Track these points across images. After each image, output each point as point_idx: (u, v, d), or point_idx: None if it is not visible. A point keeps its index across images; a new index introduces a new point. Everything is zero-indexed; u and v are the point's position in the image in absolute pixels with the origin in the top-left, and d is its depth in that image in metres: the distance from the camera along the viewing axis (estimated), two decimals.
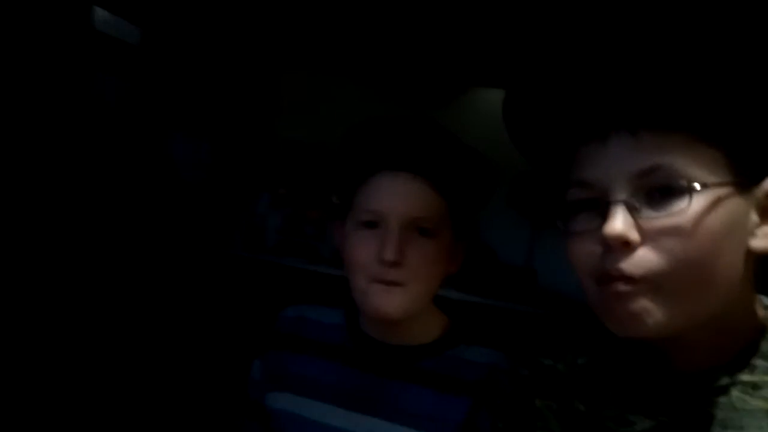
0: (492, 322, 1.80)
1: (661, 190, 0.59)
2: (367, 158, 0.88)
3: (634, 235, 0.58)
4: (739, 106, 0.61)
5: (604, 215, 0.60)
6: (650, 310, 0.59)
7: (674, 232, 0.58)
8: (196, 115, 2.16)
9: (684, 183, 0.58)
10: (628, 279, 0.59)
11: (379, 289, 0.83)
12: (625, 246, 0.59)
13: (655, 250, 0.59)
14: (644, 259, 0.59)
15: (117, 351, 1.83)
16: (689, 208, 0.57)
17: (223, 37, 2.10)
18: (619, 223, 0.58)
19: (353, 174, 0.90)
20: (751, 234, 0.61)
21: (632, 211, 0.59)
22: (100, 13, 1.77)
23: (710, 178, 0.59)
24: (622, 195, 0.60)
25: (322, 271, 1.83)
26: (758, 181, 0.62)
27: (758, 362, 0.64)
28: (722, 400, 0.64)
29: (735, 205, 0.60)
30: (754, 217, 0.62)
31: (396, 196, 0.84)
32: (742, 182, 0.60)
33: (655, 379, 0.69)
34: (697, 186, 0.58)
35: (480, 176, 0.90)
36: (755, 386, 0.63)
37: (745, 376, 0.64)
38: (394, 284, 0.83)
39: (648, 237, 0.59)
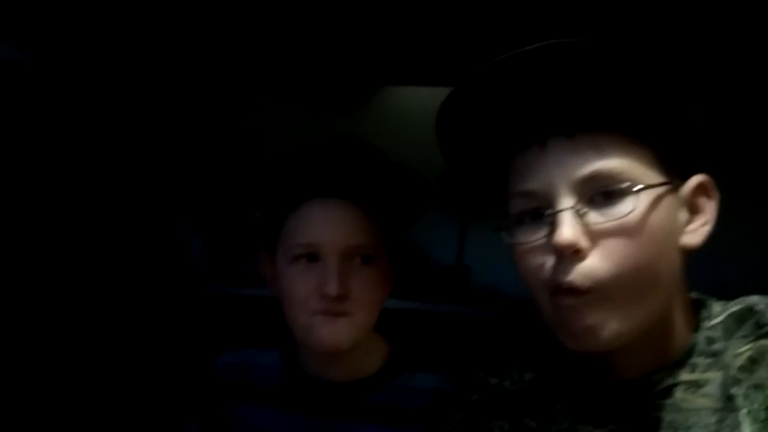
0: (430, 330, 1.79)
1: (604, 194, 0.60)
2: (296, 186, 0.84)
3: (584, 242, 0.59)
4: (665, 105, 0.62)
5: (551, 224, 0.60)
6: (604, 322, 0.60)
7: (621, 234, 0.59)
8: (104, 142, 2.06)
9: (626, 186, 0.59)
10: (579, 292, 0.59)
11: (324, 321, 0.81)
12: (576, 254, 0.59)
13: (604, 256, 0.59)
14: (593, 268, 0.59)
15: (25, 400, 1.72)
16: (634, 210, 0.59)
17: (126, 57, 2.01)
18: (568, 230, 0.59)
19: (281, 203, 0.87)
20: (682, 231, 0.63)
21: (579, 217, 0.59)
22: None
23: (648, 179, 0.60)
24: (567, 202, 0.60)
25: (252, 293, 1.77)
26: (685, 178, 0.64)
27: (698, 360, 0.65)
28: (667, 402, 0.64)
29: (669, 203, 0.62)
30: (683, 214, 0.64)
31: (332, 226, 0.81)
32: (673, 181, 0.62)
33: (601, 389, 0.69)
34: (639, 187, 0.59)
35: (414, 196, 0.88)
36: (697, 384, 0.64)
37: (687, 376, 0.65)
38: (337, 315, 0.81)
39: (596, 242, 0.59)
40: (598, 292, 0.59)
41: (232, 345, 1.04)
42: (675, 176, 0.63)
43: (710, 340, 0.65)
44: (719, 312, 0.67)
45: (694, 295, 0.70)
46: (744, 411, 0.60)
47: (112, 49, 1.94)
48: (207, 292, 1.90)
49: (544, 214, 0.62)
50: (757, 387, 0.60)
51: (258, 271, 0.95)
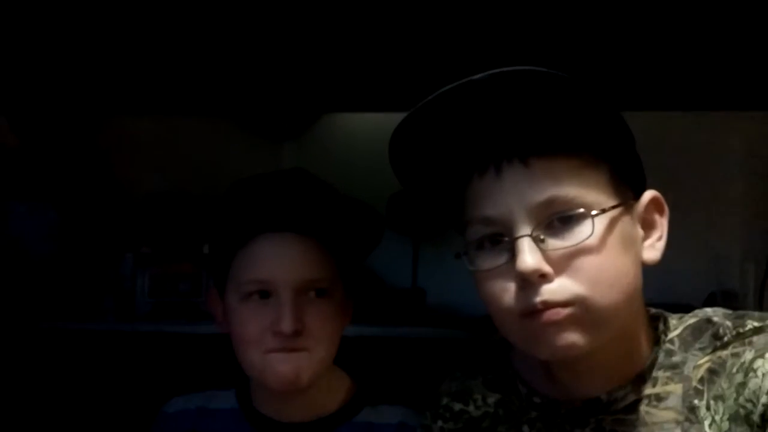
0: (388, 355, 1.77)
1: (560, 220, 0.60)
2: (244, 222, 0.81)
3: (546, 268, 0.59)
4: (613, 126, 0.63)
5: (511, 251, 0.60)
6: (577, 338, 0.60)
7: (582, 258, 0.60)
8: (37, 183, 1.98)
9: (582, 211, 0.60)
10: (556, 305, 0.60)
11: (279, 359, 0.78)
12: (542, 278, 0.59)
13: (571, 278, 0.60)
14: (563, 286, 0.60)
15: None
16: (592, 234, 0.59)
17: (48, 92, 1.95)
18: (530, 257, 0.59)
19: (230, 238, 0.84)
20: (640, 248, 0.65)
21: (538, 243, 0.60)
22: None
23: (604, 202, 0.61)
24: (526, 229, 0.60)
25: (203, 331, 1.71)
26: (638, 196, 0.66)
27: (659, 373, 0.66)
28: (631, 417, 0.65)
29: (625, 222, 0.63)
30: (639, 231, 0.65)
31: (284, 261, 0.79)
32: (628, 200, 0.64)
33: (567, 407, 0.68)
34: (594, 212, 0.60)
35: (367, 227, 0.87)
36: (659, 398, 0.64)
37: (649, 390, 0.65)
38: (293, 350, 0.78)
39: (559, 267, 0.60)
40: (575, 304, 0.60)
41: (185, 386, 0.99)
42: (629, 194, 0.65)
43: (669, 353, 0.66)
44: (676, 325, 0.68)
45: (652, 311, 0.71)
46: (707, 422, 0.61)
47: (41, 85, 1.88)
48: (155, 333, 1.83)
49: (503, 240, 0.62)
50: (718, 398, 0.61)
51: (207, 308, 0.91)
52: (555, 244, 0.60)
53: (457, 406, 0.76)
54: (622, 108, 0.63)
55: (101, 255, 2.01)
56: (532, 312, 0.60)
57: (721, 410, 0.61)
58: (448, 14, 1.60)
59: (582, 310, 0.60)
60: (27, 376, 1.82)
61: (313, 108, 2.27)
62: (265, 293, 0.79)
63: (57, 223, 1.99)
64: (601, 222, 0.60)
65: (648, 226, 0.66)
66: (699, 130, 2.07)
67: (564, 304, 0.60)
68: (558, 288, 0.60)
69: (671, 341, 0.67)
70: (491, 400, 0.75)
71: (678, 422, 0.63)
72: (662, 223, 0.66)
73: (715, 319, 0.66)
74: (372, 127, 2.26)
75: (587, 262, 0.60)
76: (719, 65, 1.76)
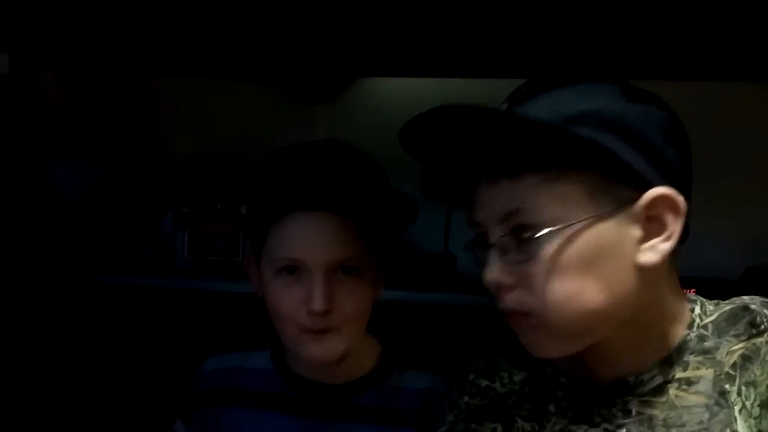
0: (418, 319, 1.80)
1: (522, 233, 0.62)
2: (277, 200, 0.83)
3: (506, 280, 0.63)
4: (584, 142, 0.61)
5: (487, 256, 0.65)
6: (546, 344, 0.65)
7: (538, 273, 0.62)
8: (81, 141, 2.04)
9: (538, 226, 0.61)
10: (519, 314, 0.64)
11: (312, 339, 0.81)
12: (501, 288, 0.63)
13: (530, 292, 0.62)
14: (523, 299, 0.63)
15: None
16: (542, 252, 0.61)
17: (104, 51, 1.98)
18: (492, 269, 0.63)
19: (264, 214, 0.86)
20: (636, 249, 0.63)
21: (504, 253, 0.63)
22: None
23: (569, 216, 0.61)
24: (494, 237, 0.64)
25: (240, 290, 1.76)
26: (632, 199, 0.63)
27: (690, 358, 0.66)
28: (661, 399, 0.65)
29: (601, 232, 0.62)
30: (637, 232, 0.63)
31: (315, 240, 0.80)
32: (608, 208, 0.62)
33: (593, 388, 0.70)
34: (548, 230, 0.61)
35: (399, 204, 0.87)
36: (689, 382, 0.65)
37: (679, 373, 0.66)
38: (324, 331, 0.81)
39: (520, 279, 0.63)
40: (535, 317, 0.63)
41: (221, 343, 1.03)
42: (622, 195, 0.62)
43: (702, 338, 0.66)
44: (712, 311, 0.68)
45: (690, 295, 0.71)
46: (738, 407, 0.61)
47: (89, 44, 1.91)
48: (193, 289, 1.89)
49: (485, 244, 0.66)
50: (750, 384, 0.62)
51: (245, 271, 0.95)
52: (516, 257, 0.62)
53: (484, 383, 0.78)
54: (659, 76, 0.62)
55: (143, 213, 2.07)
56: (504, 313, 0.65)
57: (752, 396, 0.61)
58: None
59: (541, 321, 0.63)
60: (68, 327, 1.90)
61: (347, 72, 2.27)
62: (297, 269, 0.81)
63: (100, 181, 2.05)
64: (559, 237, 0.61)
65: (652, 226, 0.63)
66: (739, 101, 2.02)
67: (523, 314, 0.64)
68: (518, 298, 0.63)
69: (705, 327, 0.67)
70: (517, 378, 0.76)
71: (707, 406, 0.63)
72: (672, 222, 0.63)
73: (753, 306, 0.66)
74: (406, 91, 2.25)
75: (541, 278, 0.61)
76: (758, 36, 1.70)
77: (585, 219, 0.61)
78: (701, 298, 0.71)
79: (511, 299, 0.64)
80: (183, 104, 2.24)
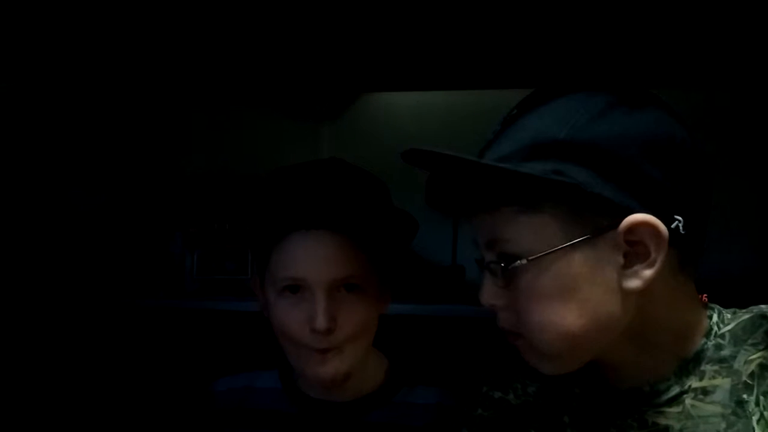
0: (428, 332, 1.80)
1: (502, 262, 0.63)
2: (278, 218, 0.84)
3: (497, 301, 0.65)
4: (548, 183, 0.61)
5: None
6: (539, 364, 0.67)
7: (521, 300, 0.63)
8: (89, 164, 2.05)
9: (514, 258, 0.62)
10: (509, 334, 0.66)
11: (315, 359, 0.81)
12: (493, 308, 0.66)
13: (516, 314, 0.65)
14: (512, 319, 0.65)
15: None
16: (523, 280, 0.63)
17: (109, 72, 2.00)
18: (484, 291, 0.66)
19: (265, 235, 0.86)
20: (621, 275, 0.62)
21: (494, 276, 0.65)
22: None
23: (542, 246, 0.61)
24: (486, 261, 0.66)
25: (249, 309, 1.76)
26: (610, 226, 0.61)
27: (706, 367, 0.65)
28: (676, 409, 0.65)
29: (582, 258, 0.61)
30: (618, 258, 0.62)
31: (316, 259, 0.81)
32: (584, 236, 0.61)
33: (608, 398, 0.69)
34: (523, 260, 0.62)
35: (398, 221, 0.87)
36: (705, 391, 0.64)
37: (696, 383, 0.65)
38: (328, 350, 0.81)
39: (507, 303, 0.65)
40: (524, 338, 0.65)
41: (231, 363, 1.03)
42: (597, 223, 0.61)
43: (719, 347, 0.66)
44: (729, 320, 0.67)
45: (707, 303, 0.70)
46: (755, 417, 0.61)
47: (95, 68, 1.93)
48: (202, 309, 1.89)
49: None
50: None
51: (258, 299, 0.94)
52: (501, 282, 0.64)
53: (497, 394, 0.77)
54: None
55: (151, 233, 2.08)
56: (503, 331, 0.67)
57: None
58: None
59: (528, 343, 0.65)
60: (78, 348, 1.91)
61: (351, 88, 2.28)
62: (300, 288, 0.82)
63: (109, 204, 2.07)
64: (536, 267, 0.61)
65: (636, 250, 0.61)
66: None
67: (515, 335, 0.66)
68: (508, 318, 0.66)
69: (722, 336, 0.66)
70: (531, 389, 0.76)
71: (724, 416, 0.62)
72: (654, 248, 0.60)
73: None
74: (410, 106, 2.27)
75: (522, 305, 0.64)
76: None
77: (559, 248, 0.61)
78: (718, 307, 0.70)
79: (505, 320, 0.66)
80: (189, 125, 2.25)
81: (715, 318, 0.68)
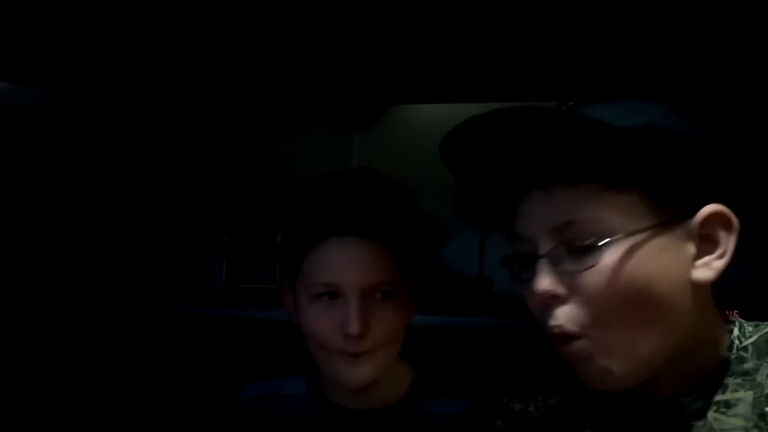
0: (454, 344, 1.80)
1: (578, 243, 0.61)
2: (312, 225, 0.85)
3: (559, 289, 0.61)
4: (639, 154, 0.60)
5: (533, 270, 0.62)
6: (608, 367, 0.61)
7: (594, 284, 0.60)
8: (122, 172, 2.10)
9: (599, 236, 0.59)
10: (569, 337, 0.61)
11: (347, 363, 0.82)
12: (554, 299, 0.61)
13: (584, 305, 0.60)
14: (576, 314, 0.61)
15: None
16: (603, 261, 0.59)
17: (142, 83, 2.05)
18: (543, 279, 0.61)
19: (300, 240, 0.87)
20: (691, 266, 0.62)
21: (556, 264, 0.61)
22: None
23: (627, 226, 0.60)
24: (544, 249, 0.62)
25: (277, 317, 1.78)
26: (686, 215, 0.62)
27: (729, 380, 0.65)
28: (699, 423, 0.64)
29: (659, 244, 0.61)
30: (691, 249, 0.62)
31: (351, 265, 0.82)
32: (666, 221, 0.61)
33: (630, 410, 0.69)
34: (607, 240, 0.59)
35: (431, 227, 0.88)
36: (728, 405, 0.64)
37: (718, 396, 0.65)
38: (360, 355, 0.82)
39: (574, 289, 0.61)
40: (590, 338, 0.61)
41: (259, 370, 1.05)
42: (676, 211, 0.62)
43: (741, 360, 0.65)
44: (752, 333, 0.67)
45: (729, 317, 0.70)
46: None
47: (127, 81, 1.98)
48: (231, 318, 1.92)
49: (531, 258, 0.64)
50: None
51: (285, 307, 0.96)
52: (572, 265, 0.60)
53: (518, 406, 0.77)
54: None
55: (185, 242, 2.11)
56: (553, 337, 0.62)
57: None
58: (510, 7, 1.59)
59: (593, 344, 0.61)
60: (108, 356, 1.94)
61: (381, 99, 2.30)
62: (333, 294, 0.83)
63: (144, 212, 2.10)
64: (617, 248, 0.59)
65: (706, 243, 0.62)
66: None
67: (576, 335, 0.61)
68: (571, 313, 0.61)
69: (744, 349, 0.66)
70: (552, 401, 0.75)
71: (747, 429, 0.62)
72: (726, 240, 0.62)
73: None
74: (439, 117, 2.27)
75: (603, 287, 0.59)
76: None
77: (646, 229, 0.60)
78: (740, 319, 0.69)
79: (562, 314, 0.61)
80: (221, 134, 2.29)
81: (736, 332, 0.67)
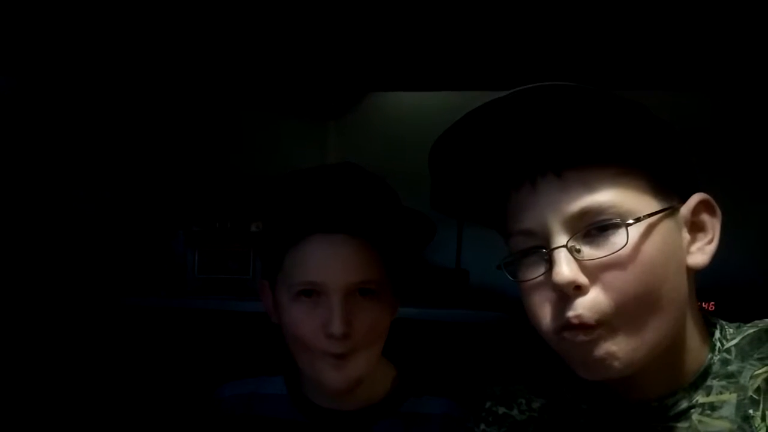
0: (432, 336, 1.79)
1: (597, 229, 0.60)
2: (296, 221, 0.83)
3: (582, 279, 0.60)
4: (650, 136, 0.61)
5: (549, 262, 0.61)
6: (614, 353, 0.60)
7: (618, 267, 0.59)
8: (93, 162, 2.04)
9: (616, 221, 0.60)
10: (587, 327, 0.60)
11: (330, 365, 0.80)
12: (577, 289, 0.60)
13: (604, 290, 0.60)
14: (596, 302, 0.60)
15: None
16: (625, 244, 0.59)
17: (110, 68, 1.99)
18: (566, 269, 0.59)
19: (281, 237, 0.85)
20: (686, 252, 0.64)
21: (574, 253, 0.60)
22: None
23: (642, 209, 0.61)
24: (562, 240, 0.61)
25: (251, 309, 1.75)
26: (685, 198, 0.65)
27: (713, 382, 0.65)
28: (684, 425, 0.64)
29: (667, 229, 0.62)
30: (685, 235, 0.64)
31: (334, 263, 0.80)
32: (669, 206, 0.63)
33: (615, 412, 0.68)
34: (629, 221, 0.59)
35: (417, 225, 0.87)
36: (713, 407, 0.64)
37: (703, 398, 0.65)
38: (343, 356, 0.80)
39: (595, 277, 0.60)
40: (605, 325, 0.60)
41: (233, 363, 1.02)
42: (673, 198, 0.64)
43: (725, 362, 0.66)
44: (734, 334, 0.67)
45: (711, 318, 0.70)
46: None
47: (101, 66, 1.92)
48: (203, 309, 1.88)
49: (542, 252, 0.63)
50: None
51: (259, 294, 0.94)
52: (591, 254, 0.60)
53: (501, 410, 0.76)
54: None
55: (155, 232, 2.06)
56: (567, 326, 0.61)
57: None
58: None
59: (613, 329, 0.60)
60: (78, 348, 1.90)
61: (357, 87, 2.27)
62: (315, 292, 0.80)
63: (113, 202, 2.05)
64: (637, 230, 0.60)
65: (696, 230, 0.65)
66: None
67: (595, 323, 0.60)
68: (591, 302, 0.60)
69: (728, 350, 0.66)
70: (536, 404, 0.75)
71: (731, 431, 0.62)
72: (713, 226, 0.65)
73: None
74: (416, 105, 2.25)
75: (623, 272, 0.59)
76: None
77: (658, 212, 0.61)
78: (721, 321, 0.70)
79: (581, 303, 0.60)
80: (192, 123, 2.24)
81: (717, 334, 0.68)
